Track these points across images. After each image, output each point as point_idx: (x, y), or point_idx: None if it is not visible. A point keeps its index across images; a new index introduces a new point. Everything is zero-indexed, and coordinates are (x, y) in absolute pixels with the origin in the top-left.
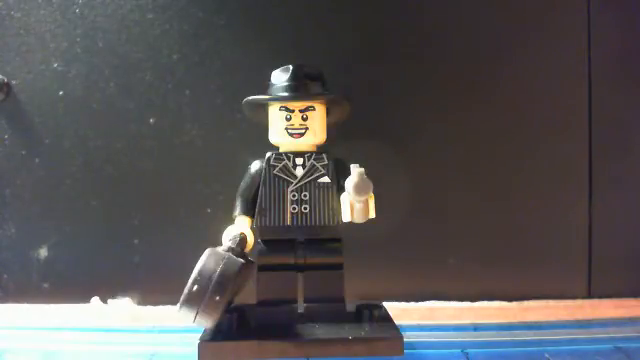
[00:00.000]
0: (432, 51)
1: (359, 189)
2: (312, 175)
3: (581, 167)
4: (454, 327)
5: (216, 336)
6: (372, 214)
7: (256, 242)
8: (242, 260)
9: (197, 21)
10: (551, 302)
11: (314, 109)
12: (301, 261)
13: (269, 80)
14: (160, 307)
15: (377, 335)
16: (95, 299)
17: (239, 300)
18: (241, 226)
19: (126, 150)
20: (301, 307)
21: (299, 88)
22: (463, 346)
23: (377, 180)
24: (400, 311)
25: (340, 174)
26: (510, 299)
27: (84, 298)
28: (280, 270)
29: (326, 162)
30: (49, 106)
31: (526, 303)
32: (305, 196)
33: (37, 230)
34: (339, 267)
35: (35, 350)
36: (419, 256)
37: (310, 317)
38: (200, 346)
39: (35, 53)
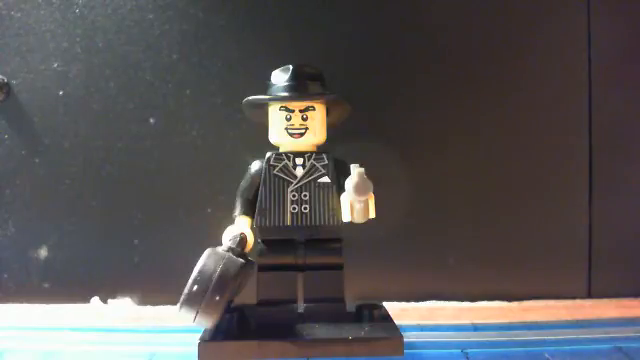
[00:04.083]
0: (432, 51)
1: (359, 189)
2: (312, 175)
3: (581, 167)
4: (454, 327)
5: (216, 336)
6: (372, 214)
7: (256, 242)
8: (242, 260)
9: (197, 21)
10: (551, 302)
11: (314, 109)
12: (301, 261)
13: (269, 80)
14: (160, 307)
15: (377, 335)
16: (95, 299)
17: (239, 300)
18: (241, 226)
19: (126, 150)
20: (301, 307)
21: (299, 88)
22: (463, 346)
23: (377, 180)
24: (400, 311)
25: (340, 174)
26: (510, 299)
27: (84, 298)
28: (280, 270)
29: (326, 162)
30: (49, 106)
31: (526, 303)
32: (305, 196)
33: (37, 230)
34: (339, 267)
35: (35, 350)
36: (419, 256)
37: (310, 317)
38: (200, 346)
39: (35, 53)
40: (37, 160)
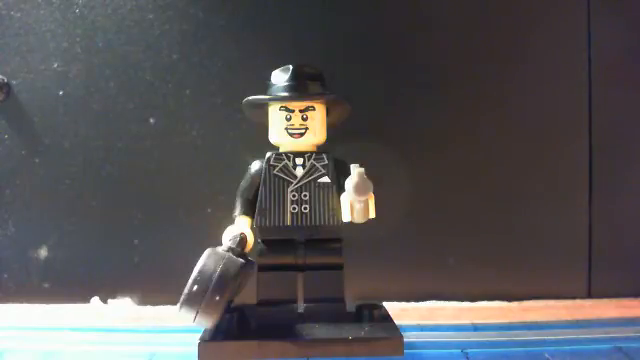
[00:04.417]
0: (432, 51)
1: (359, 189)
2: (312, 175)
3: (581, 167)
4: (454, 327)
5: (216, 336)
6: (372, 214)
7: (256, 242)
8: (242, 260)
9: (197, 21)
10: (551, 302)
11: (314, 109)
12: (301, 261)
13: (269, 80)
14: (160, 307)
15: (377, 335)
16: (95, 299)
17: (239, 300)
18: (241, 226)
19: (126, 150)
20: (301, 307)
21: (299, 88)
22: (463, 346)
23: (377, 180)
24: (400, 311)
25: (340, 174)
26: (510, 299)
27: (84, 298)
28: (280, 270)
29: (326, 162)
30: (49, 106)
31: (526, 303)
32: (305, 196)
33: (37, 230)
34: (339, 267)
35: (35, 350)
36: (419, 256)
37: (310, 317)
38: (200, 346)
39: (35, 53)
40: (37, 160)
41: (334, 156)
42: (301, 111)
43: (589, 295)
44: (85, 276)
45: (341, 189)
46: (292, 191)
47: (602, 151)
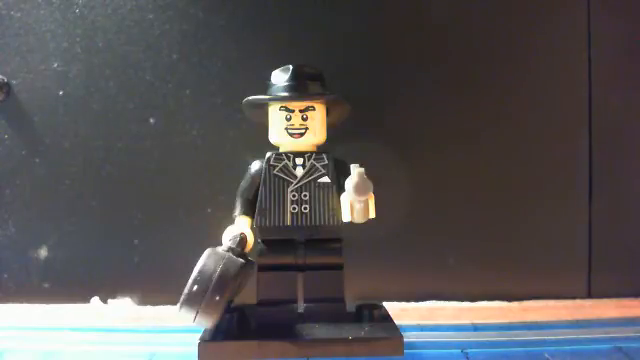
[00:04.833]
0: (432, 51)
1: (359, 189)
2: (312, 175)
3: (581, 167)
4: (454, 327)
5: (216, 336)
6: (372, 214)
7: (256, 242)
8: (242, 260)
9: (197, 21)
10: (551, 302)
11: (314, 109)
12: (301, 261)
13: (269, 80)
14: (160, 307)
15: (377, 335)
16: (95, 299)
17: (239, 300)
18: (241, 226)
19: (126, 150)
20: (301, 307)
21: (299, 88)
22: (463, 346)
23: (377, 180)
24: (400, 311)
25: (340, 174)
26: (510, 299)
27: (84, 298)
28: (280, 270)
29: (326, 162)
30: (49, 106)
31: (526, 303)
32: (305, 196)
33: (37, 230)
34: (339, 267)
35: (35, 350)
36: (419, 256)
37: (310, 317)
38: (200, 346)
39: (35, 53)
40: (37, 160)
41: (334, 156)
42: (301, 111)
43: (589, 295)
44: (85, 276)
45: (341, 189)
46: (292, 191)
47: (602, 151)
